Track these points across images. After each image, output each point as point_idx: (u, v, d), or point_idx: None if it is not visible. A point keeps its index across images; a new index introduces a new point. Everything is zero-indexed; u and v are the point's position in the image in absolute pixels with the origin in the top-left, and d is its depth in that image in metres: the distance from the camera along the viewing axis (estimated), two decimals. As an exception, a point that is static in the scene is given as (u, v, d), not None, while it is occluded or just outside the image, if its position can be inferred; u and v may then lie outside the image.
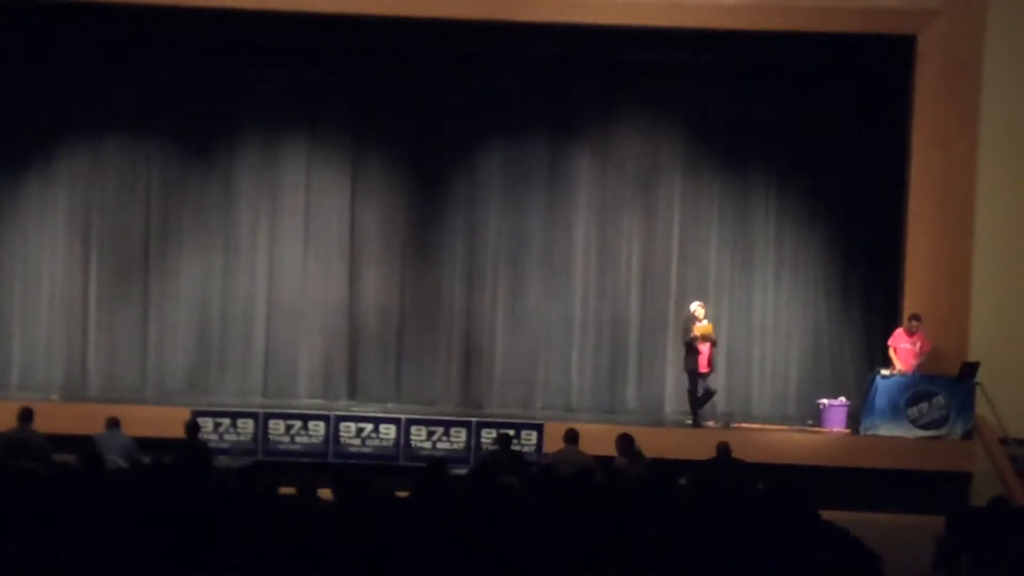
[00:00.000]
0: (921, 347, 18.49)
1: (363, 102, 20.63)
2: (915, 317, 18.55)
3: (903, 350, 18.51)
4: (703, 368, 18.74)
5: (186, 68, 20.46)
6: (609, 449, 15.18)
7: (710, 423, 19.35)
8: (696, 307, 18.92)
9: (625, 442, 14.69)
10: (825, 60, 19.93)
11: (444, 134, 20.68)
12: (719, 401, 19.87)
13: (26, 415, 15.04)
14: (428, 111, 20.66)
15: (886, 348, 18.96)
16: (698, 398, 18.81)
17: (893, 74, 19.62)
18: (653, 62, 20.26)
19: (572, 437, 15.12)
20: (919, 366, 18.43)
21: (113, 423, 15.41)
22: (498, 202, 20.65)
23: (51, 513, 9.46)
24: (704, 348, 18.72)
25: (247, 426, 17.78)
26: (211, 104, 20.54)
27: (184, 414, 16.77)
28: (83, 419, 16.83)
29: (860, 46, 19.60)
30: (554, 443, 16.25)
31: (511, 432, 16.85)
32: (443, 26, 19.53)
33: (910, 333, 18.54)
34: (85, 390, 20.16)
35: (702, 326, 18.70)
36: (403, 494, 11.24)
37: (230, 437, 17.65)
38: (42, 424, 15.22)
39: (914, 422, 18.14)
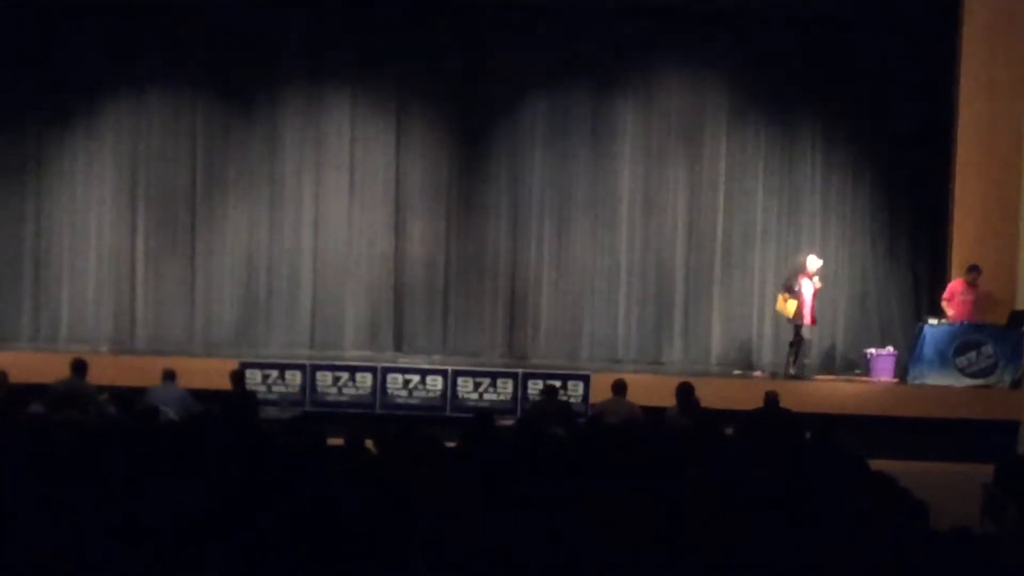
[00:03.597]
0: (979, 297, 18.37)
1: (407, 53, 20.56)
2: (975, 268, 18.41)
3: (963, 301, 18.37)
4: (807, 320, 18.63)
5: (230, 20, 20.45)
6: (655, 399, 15.19)
7: (757, 373, 19.34)
8: (812, 260, 18.75)
9: (684, 392, 14.66)
10: (872, 8, 19.77)
11: (488, 85, 20.61)
12: (766, 352, 19.87)
13: (78, 367, 15.09)
14: (472, 62, 20.59)
15: (934, 296, 18.88)
16: (798, 349, 18.70)
17: (940, 22, 19.43)
18: (697, 10, 20.16)
19: (620, 388, 15.10)
20: (976, 316, 18.31)
21: (169, 375, 15.46)
22: (542, 153, 20.60)
23: (99, 465, 9.54)
24: (808, 299, 18.59)
25: (295, 378, 17.88)
26: (255, 56, 20.53)
27: (232, 366, 16.86)
28: (132, 371, 16.99)
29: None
30: (600, 394, 16.25)
31: (557, 383, 16.87)
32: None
33: (971, 284, 18.40)
34: (133, 342, 20.30)
35: (813, 283, 18.58)
36: (450, 445, 11.29)
37: (278, 389, 17.76)
38: (91, 376, 15.30)
39: (962, 371, 18.07)
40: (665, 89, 20.56)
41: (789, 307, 18.57)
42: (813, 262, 18.73)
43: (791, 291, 18.61)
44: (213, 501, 8.36)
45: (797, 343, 18.75)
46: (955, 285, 18.55)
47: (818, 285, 18.66)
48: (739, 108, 20.48)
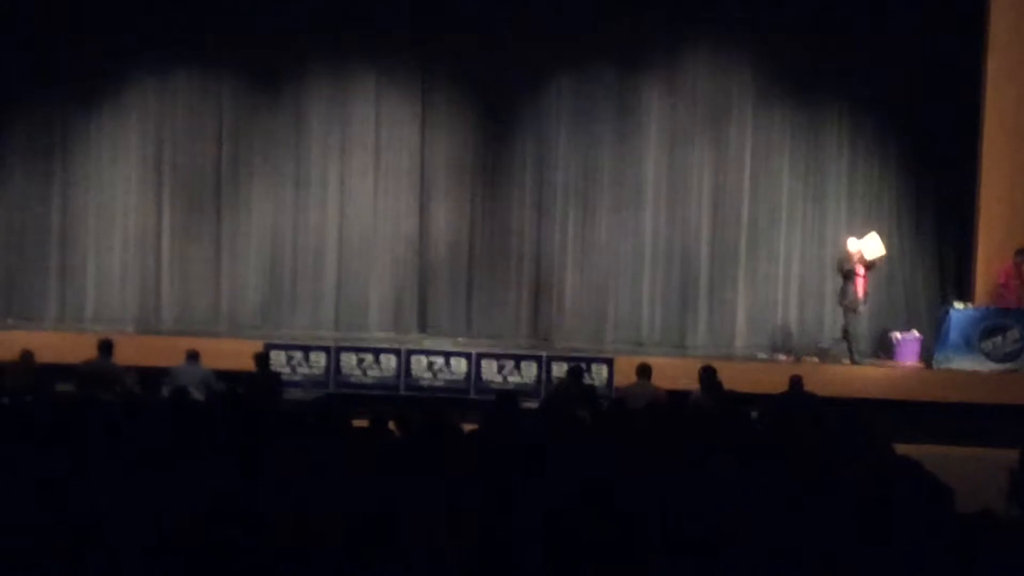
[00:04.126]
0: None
1: (431, 35, 20.54)
2: (1022, 252, 18.39)
3: (1018, 285, 18.33)
4: (860, 295, 18.64)
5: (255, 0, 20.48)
6: (679, 383, 15.16)
7: (782, 357, 19.30)
8: (852, 242, 18.79)
9: (707, 375, 14.63)
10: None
11: (513, 67, 20.56)
12: (794, 334, 19.88)
13: (106, 347, 15.16)
14: (497, 43, 20.53)
15: (960, 280, 18.84)
16: (852, 333, 18.71)
17: (967, 4, 19.34)
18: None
19: (645, 371, 15.07)
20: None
21: (192, 355, 15.50)
22: (567, 135, 20.56)
23: (125, 442, 9.58)
24: (861, 273, 18.60)
25: (319, 359, 17.91)
26: (280, 38, 20.51)
27: (257, 347, 16.90)
28: (157, 352, 17.02)
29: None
30: (624, 377, 16.24)
31: (582, 366, 16.86)
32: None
33: (1020, 268, 18.37)
34: (159, 323, 20.36)
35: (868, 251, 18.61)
36: (473, 427, 11.29)
37: (303, 370, 17.80)
38: (117, 356, 15.36)
39: (988, 355, 18.02)
40: (690, 70, 20.50)
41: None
42: (853, 244, 18.71)
43: (848, 276, 18.62)
44: (237, 481, 8.38)
45: (848, 328, 18.75)
46: (1008, 269, 18.47)
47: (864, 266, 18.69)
48: (764, 89, 20.40)
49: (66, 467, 8.60)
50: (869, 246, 18.66)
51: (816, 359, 18.98)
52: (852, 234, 19.24)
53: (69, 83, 20.47)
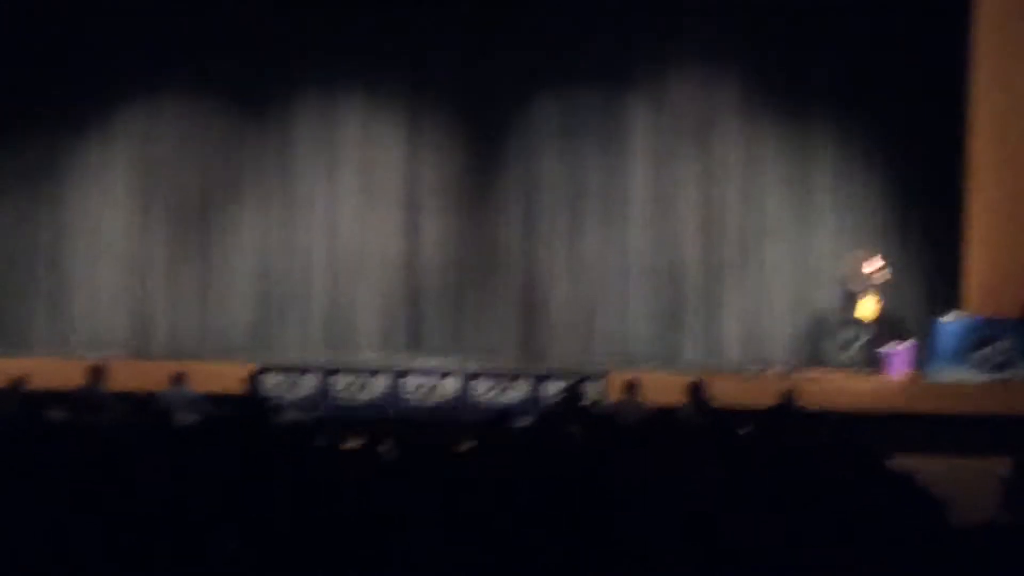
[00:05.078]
0: None
1: (418, 54, 20.60)
2: None
3: None
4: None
5: (241, 22, 20.47)
6: (669, 398, 15.17)
7: (772, 370, 19.32)
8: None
9: (695, 390, 14.66)
10: (882, 1, 19.75)
11: (499, 84, 20.61)
12: (782, 348, 19.92)
13: (96, 373, 15.17)
14: (483, 61, 20.59)
15: (949, 292, 18.89)
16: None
17: (952, 11, 19.39)
18: (707, 5, 20.14)
19: (631, 387, 15.12)
20: None
21: (178, 379, 15.52)
22: (554, 151, 20.60)
23: (117, 469, 9.56)
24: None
25: (310, 381, 17.91)
26: (267, 58, 20.57)
27: (247, 369, 16.91)
28: (148, 376, 16.98)
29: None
30: (616, 393, 16.24)
31: (582, 384, 16.82)
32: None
33: None
34: (149, 347, 20.33)
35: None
36: (466, 446, 11.28)
37: (294, 392, 17.78)
38: (108, 381, 15.35)
39: (979, 365, 18.04)
40: (677, 85, 20.55)
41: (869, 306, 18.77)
42: (869, 265, 18.96)
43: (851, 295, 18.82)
44: (228, 504, 8.36)
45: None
46: None
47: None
48: (751, 103, 20.45)
49: (59, 494, 8.58)
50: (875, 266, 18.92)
51: (806, 371, 19.02)
52: (844, 248, 19.43)
53: (57, 108, 20.49)
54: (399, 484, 9.08)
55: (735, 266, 20.34)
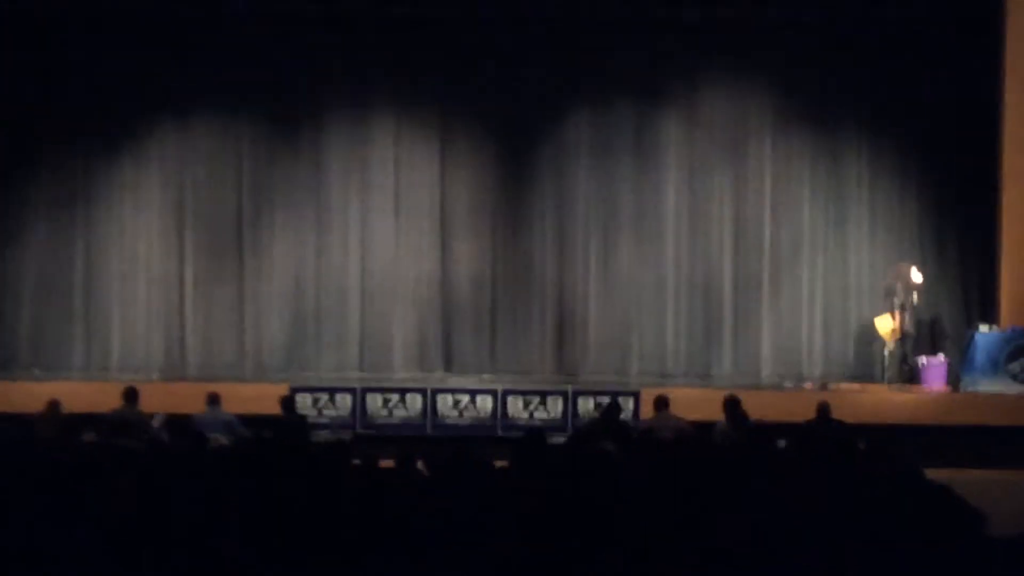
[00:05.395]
0: None
1: (448, 73, 20.63)
2: None
3: None
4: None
5: (272, 45, 20.52)
6: (705, 413, 15.15)
7: (808, 384, 19.27)
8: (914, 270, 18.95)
9: (731, 405, 14.64)
10: (914, 15, 19.72)
11: (530, 101, 20.64)
12: (817, 363, 19.90)
13: (130, 395, 15.23)
14: (513, 79, 20.61)
15: (984, 303, 18.85)
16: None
17: (983, 24, 19.35)
18: (738, 20, 20.12)
19: (662, 403, 15.10)
20: None
21: (213, 400, 15.55)
22: (587, 168, 20.62)
23: (153, 491, 9.58)
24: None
25: (345, 401, 17.95)
26: (299, 80, 20.64)
27: (282, 390, 16.93)
28: (183, 398, 17.01)
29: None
30: (651, 409, 16.22)
31: (617, 400, 16.80)
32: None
33: None
34: (184, 369, 20.39)
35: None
36: (502, 464, 11.27)
37: (329, 412, 17.83)
38: (143, 403, 15.41)
39: (1014, 377, 17.97)
40: (708, 100, 20.55)
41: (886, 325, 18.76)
42: (916, 275, 18.91)
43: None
44: (265, 526, 8.37)
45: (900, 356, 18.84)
46: None
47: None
48: (783, 117, 20.45)
49: (96, 516, 8.60)
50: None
51: (842, 385, 18.98)
52: (879, 262, 19.46)
53: (91, 133, 20.56)
54: (435, 502, 9.08)
55: (769, 281, 20.30)
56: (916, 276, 19.03)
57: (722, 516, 8.46)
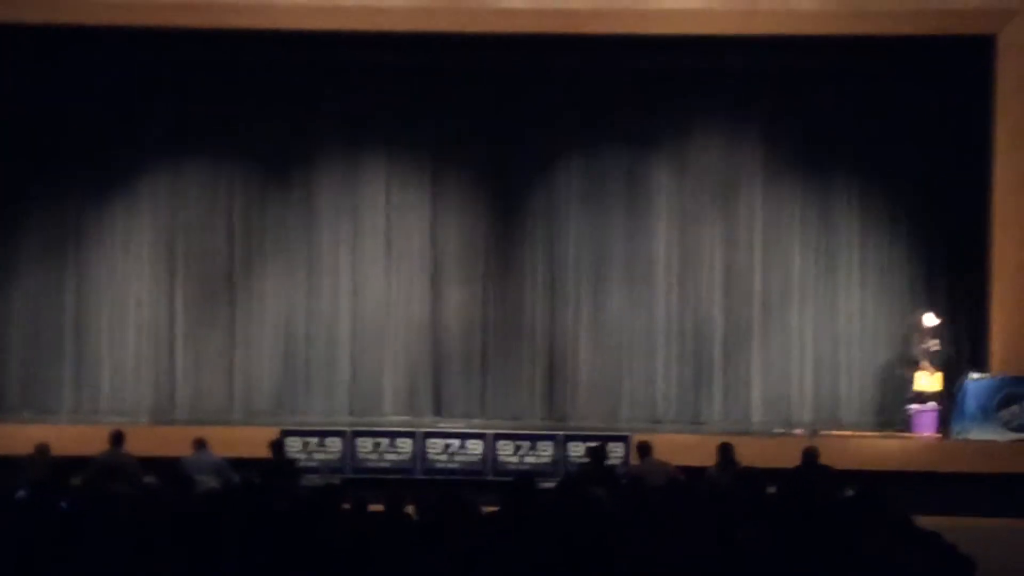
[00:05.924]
0: None
1: (441, 120, 20.68)
2: None
3: None
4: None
5: (264, 91, 20.58)
6: (695, 459, 15.13)
7: (798, 431, 19.26)
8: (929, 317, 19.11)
9: (724, 450, 14.66)
10: (904, 63, 19.83)
11: (521, 149, 20.68)
12: (807, 409, 19.89)
13: (117, 438, 15.19)
14: (505, 126, 20.66)
15: (975, 351, 18.86)
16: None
17: (973, 76, 19.43)
18: (729, 70, 20.19)
19: (645, 449, 15.09)
20: None
21: (200, 444, 15.51)
22: (577, 215, 20.64)
23: (141, 535, 9.54)
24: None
25: (335, 444, 17.92)
26: (290, 126, 20.67)
27: (272, 434, 16.91)
28: (172, 442, 16.95)
29: (939, 48, 19.47)
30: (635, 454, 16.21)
31: (603, 446, 16.75)
32: (517, 41, 19.63)
33: None
34: (173, 413, 20.35)
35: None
36: (491, 509, 11.25)
37: (318, 456, 17.80)
38: (132, 447, 15.37)
39: (1006, 425, 17.96)
40: (699, 147, 20.59)
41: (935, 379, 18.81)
42: (930, 319, 18.92)
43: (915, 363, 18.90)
44: (254, 569, 8.35)
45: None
46: None
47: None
48: (773, 165, 20.49)
49: (78, 561, 8.58)
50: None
51: (831, 432, 18.98)
52: (870, 307, 19.58)
53: (81, 176, 20.58)
54: (424, 547, 9.06)
55: (759, 328, 20.31)
56: (930, 320, 19.06)
57: (712, 562, 8.46)
